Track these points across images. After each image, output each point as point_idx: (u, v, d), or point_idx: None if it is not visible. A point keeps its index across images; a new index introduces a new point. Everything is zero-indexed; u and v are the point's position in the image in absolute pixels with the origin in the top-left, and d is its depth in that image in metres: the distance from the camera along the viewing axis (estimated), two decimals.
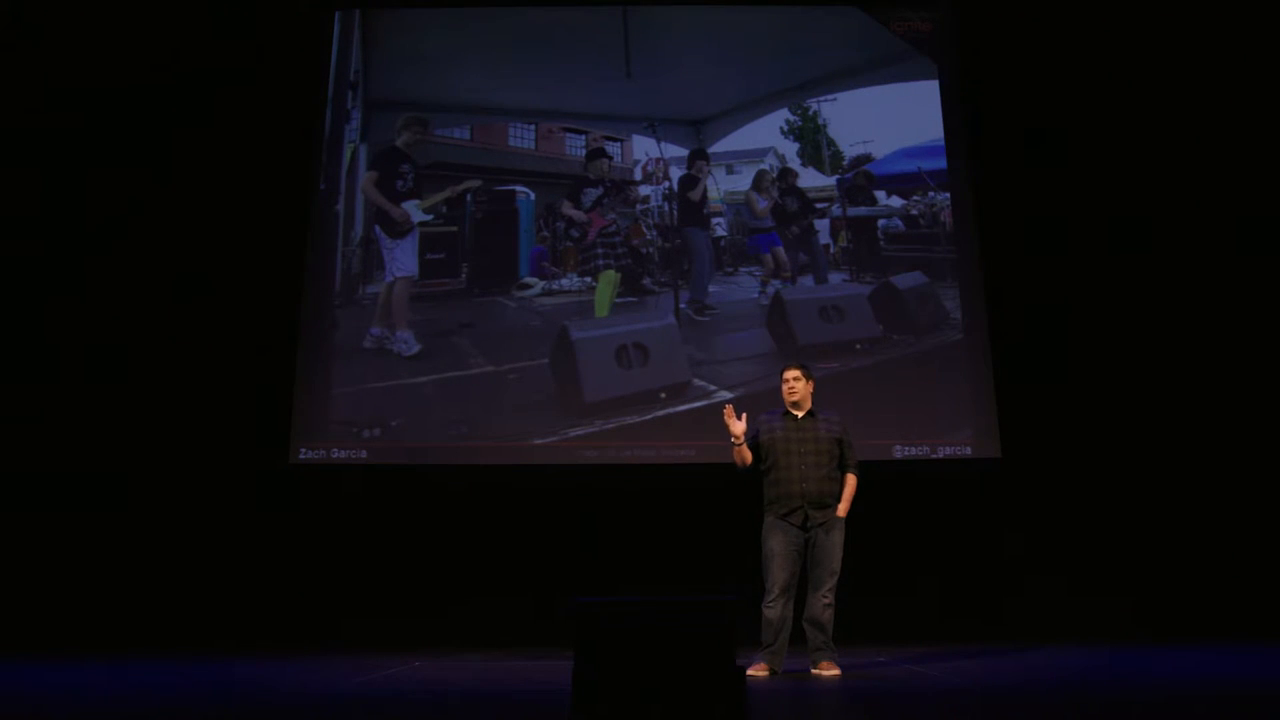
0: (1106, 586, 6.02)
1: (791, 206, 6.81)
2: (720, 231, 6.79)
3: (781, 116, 6.90)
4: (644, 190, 6.81)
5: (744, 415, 4.41)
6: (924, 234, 6.74)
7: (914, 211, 6.79)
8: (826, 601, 4.30)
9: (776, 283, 6.62)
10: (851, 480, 4.45)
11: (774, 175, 6.85)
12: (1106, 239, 6.56)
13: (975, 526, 6.13)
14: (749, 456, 4.45)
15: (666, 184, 6.79)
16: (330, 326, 6.39)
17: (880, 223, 6.81)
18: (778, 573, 4.31)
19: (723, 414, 4.40)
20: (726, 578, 5.37)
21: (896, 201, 6.81)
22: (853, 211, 6.81)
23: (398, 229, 6.60)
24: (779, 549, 4.33)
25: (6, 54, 6.56)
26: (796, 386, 4.49)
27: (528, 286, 6.58)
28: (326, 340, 6.36)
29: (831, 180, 6.85)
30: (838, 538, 4.35)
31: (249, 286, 6.38)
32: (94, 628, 5.77)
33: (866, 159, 6.84)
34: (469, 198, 6.72)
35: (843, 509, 4.39)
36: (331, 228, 6.58)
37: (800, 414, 4.49)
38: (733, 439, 4.39)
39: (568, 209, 6.73)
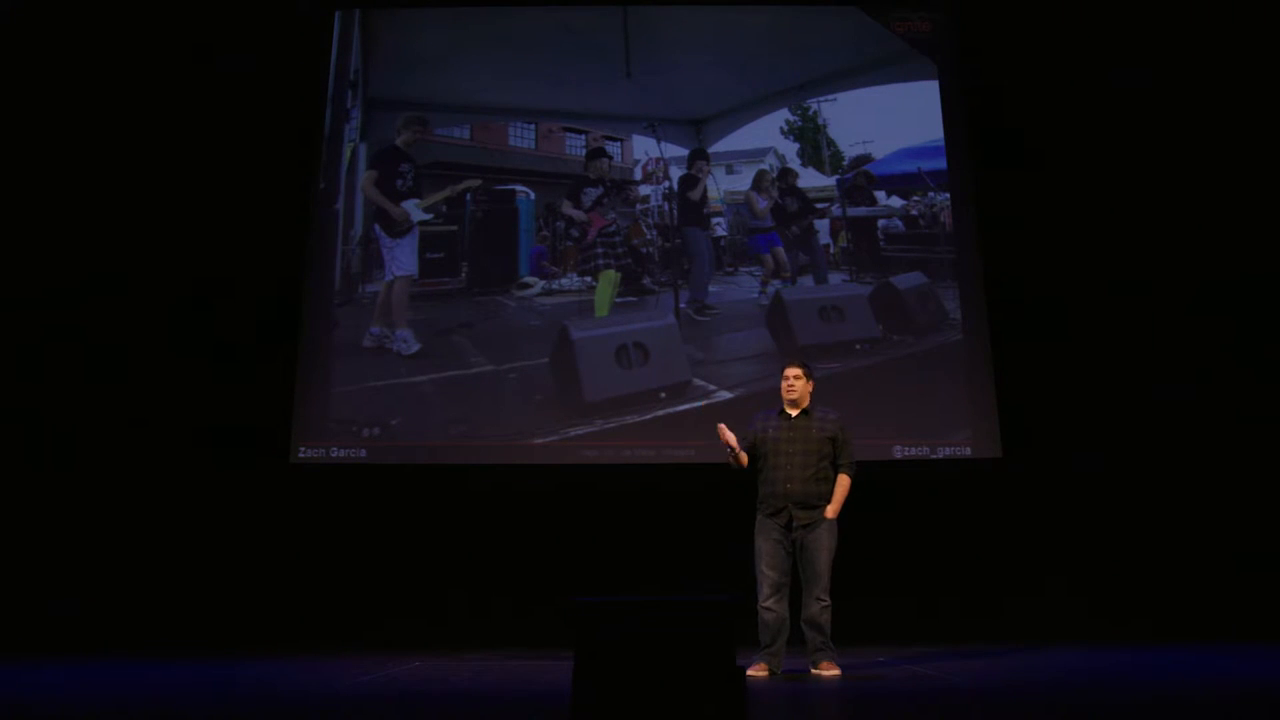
0: (1106, 586, 6.03)
1: (791, 206, 6.80)
2: (720, 231, 6.79)
3: (781, 116, 6.90)
4: (644, 190, 6.81)
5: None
6: (924, 234, 6.73)
7: (914, 212, 6.79)
8: (823, 604, 4.29)
9: (776, 283, 6.61)
10: (844, 480, 4.40)
11: (774, 175, 6.84)
12: (1106, 239, 6.55)
13: (975, 526, 6.12)
14: (746, 460, 4.45)
15: (666, 184, 6.79)
16: (330, 325, 6.38)
17: (880, 223, 6.80)
18: (766, 571, 4.31)
19: (717, 429, 4.40)
20: (726, 578, 5.37)
21: (896, 202, 6.81)
22: (853, 212, 6.81)
23: (397, 228, 6.60)
24: (765, 548, 4.34)
25: (6, 54, 6.55)
26: (796, 385, 4.47)
27: (528, 286, 6.58)
28: (326, 339, 6.35)
29: (831, 180, 6.85)
30: (825, 539, 4.30)
31: (249, 285, 6.38)
32: (93, 628, 5.77)
33: (866, 159, 6.83)
34: (469, 197, 6.71)
35: (831, 510, 4.35)
36: (331, 227, 6.57)
37: (795, 413, 4.48)
38: (728, 450, 4.39)
39: (568, 209, 6.73)
